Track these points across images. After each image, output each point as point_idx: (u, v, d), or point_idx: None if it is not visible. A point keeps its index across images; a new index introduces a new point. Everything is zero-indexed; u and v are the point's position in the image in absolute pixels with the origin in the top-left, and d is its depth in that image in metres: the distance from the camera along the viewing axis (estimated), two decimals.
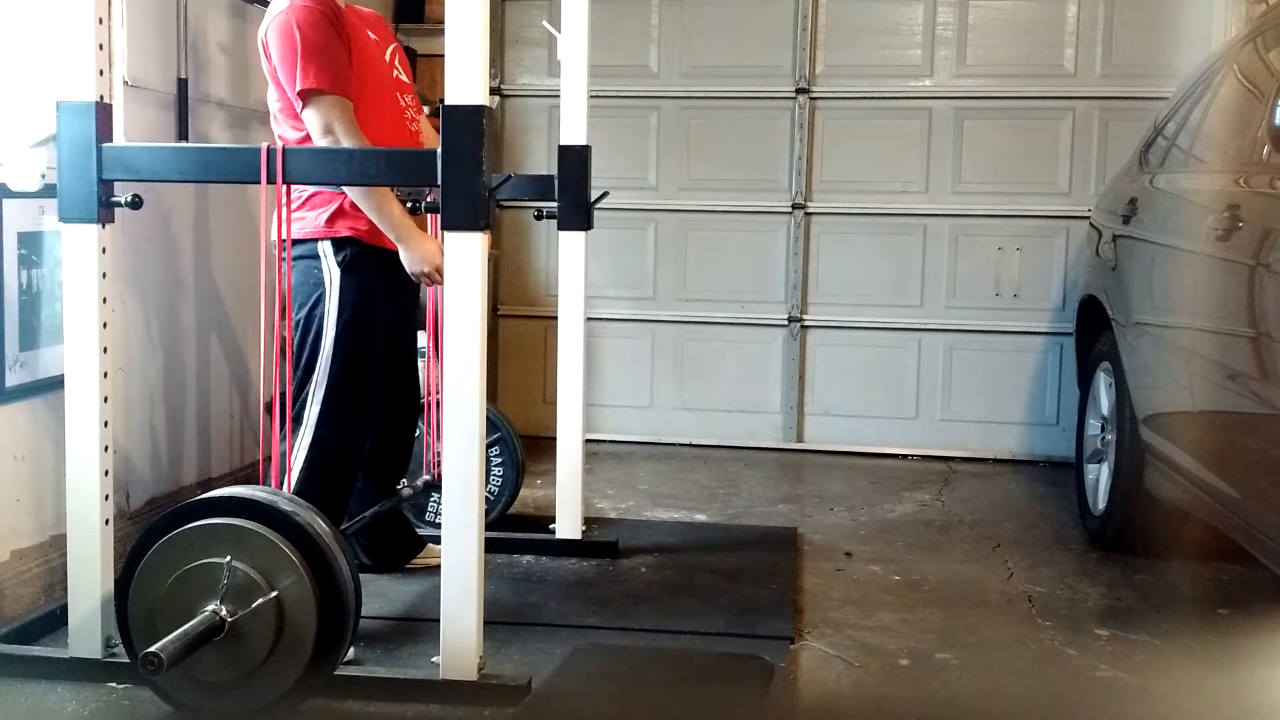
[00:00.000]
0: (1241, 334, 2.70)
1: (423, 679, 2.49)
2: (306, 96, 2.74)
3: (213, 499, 2.36)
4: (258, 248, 2.56)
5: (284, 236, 2.65)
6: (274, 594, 2.24)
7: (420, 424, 3.35)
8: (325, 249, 2.88)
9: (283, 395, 2.75)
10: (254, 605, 2.24)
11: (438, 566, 2.47)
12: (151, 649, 2.10)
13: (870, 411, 5.08)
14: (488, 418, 2.82)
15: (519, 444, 3.68)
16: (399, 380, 3.18)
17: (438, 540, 2.51)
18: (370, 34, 2.97)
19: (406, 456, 3.30)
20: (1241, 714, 2.52)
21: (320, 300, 2.88)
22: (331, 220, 2.87)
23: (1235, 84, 3.37)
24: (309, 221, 2.88)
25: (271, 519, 2.30)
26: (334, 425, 2.88)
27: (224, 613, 2.23)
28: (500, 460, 3.62)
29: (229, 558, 2.24)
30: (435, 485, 3.38)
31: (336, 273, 2.87)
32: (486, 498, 3.21)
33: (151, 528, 2.33)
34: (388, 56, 3.01)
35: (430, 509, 3.57)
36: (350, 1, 2.96)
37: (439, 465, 2.67)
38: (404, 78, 3.07)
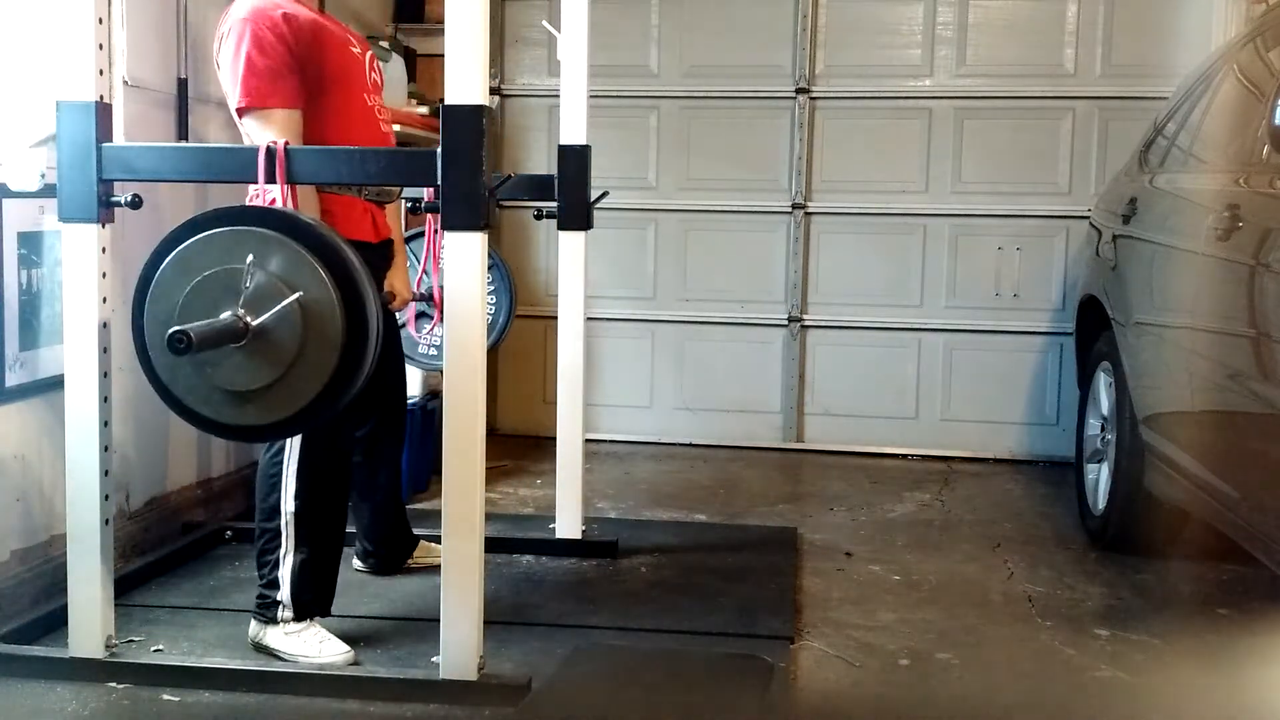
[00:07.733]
0: (1241, 334, 2.70)
1: (423, 679, 2.49)
2: (242, 113, 2.71)
3: (229, 210, 2.31)
4: None
5: None
6: (297, 296, 2.20)
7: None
8: None
9: None
10: (277, 309, 2.20)
11: (437, 565, 2.47)
12: (178, 328, 2.07)
13: (870, 411, 5.08)
14: None
15: (508, 270, 3.78)
16: (384, 365, 3.13)
17: (437, 540, 2.51)
18: (351, 41, 2.93)
19: (401, 433, 3.31)
20: (1241, 714, 2.52)
21: None
22: None
23: (1235, 84, 3.37)
24: None
25: (290, 227, 2.26)
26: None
27: (247, 318, 2.20)
28: (494, 288, 3.68)
29: (250, 258, 2.20)
30: (427, 298, 3.39)
31: None
32: None
33: (169, 237, 2.29)
34: (367, 63, 2.97)
35: (424, 340, 3.58)
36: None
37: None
38: (380, 81, 3.03)
